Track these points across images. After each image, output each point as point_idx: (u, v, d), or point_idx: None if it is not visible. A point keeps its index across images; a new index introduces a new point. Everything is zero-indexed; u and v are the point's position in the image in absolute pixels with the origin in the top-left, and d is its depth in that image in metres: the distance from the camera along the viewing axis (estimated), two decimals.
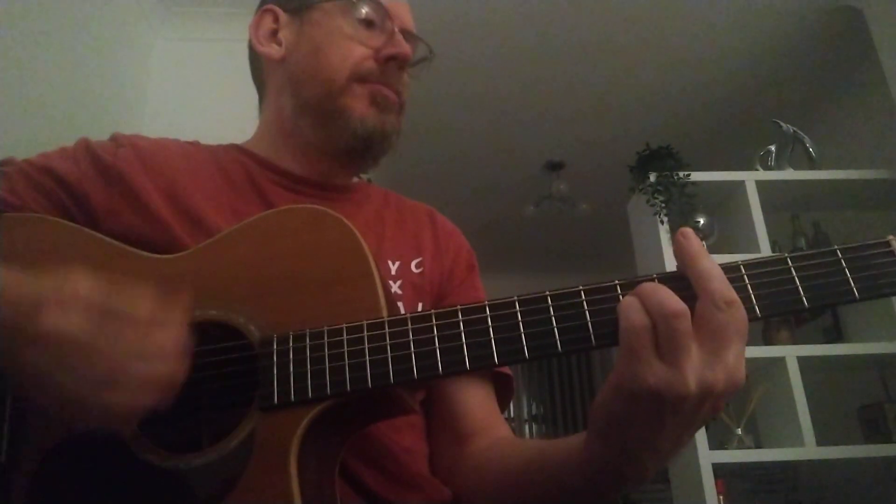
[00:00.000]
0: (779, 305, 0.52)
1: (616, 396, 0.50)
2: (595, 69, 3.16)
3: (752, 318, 0.50)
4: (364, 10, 0.81)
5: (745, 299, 0.50)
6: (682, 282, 0.51)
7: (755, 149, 2.83)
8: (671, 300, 0.48)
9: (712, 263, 0.50)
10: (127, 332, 0.49)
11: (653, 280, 0.52)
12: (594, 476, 0.55)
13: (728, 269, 0.52)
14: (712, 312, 0.48)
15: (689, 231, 0.52)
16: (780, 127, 2.78)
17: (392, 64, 0.81)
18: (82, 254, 0.65)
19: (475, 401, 0.78)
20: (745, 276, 0.52)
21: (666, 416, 0.48)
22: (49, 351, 0.48)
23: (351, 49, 0.80)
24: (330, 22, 0.82)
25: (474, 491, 0.72)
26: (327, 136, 0.82)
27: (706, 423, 0.51)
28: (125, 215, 0.72)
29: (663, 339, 0.47)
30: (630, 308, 0.49)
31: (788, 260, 0.53)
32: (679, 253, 0.52)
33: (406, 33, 0.84)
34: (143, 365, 0.49)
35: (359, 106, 0.80)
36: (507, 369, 0.82)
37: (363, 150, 0.82)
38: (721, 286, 0.49)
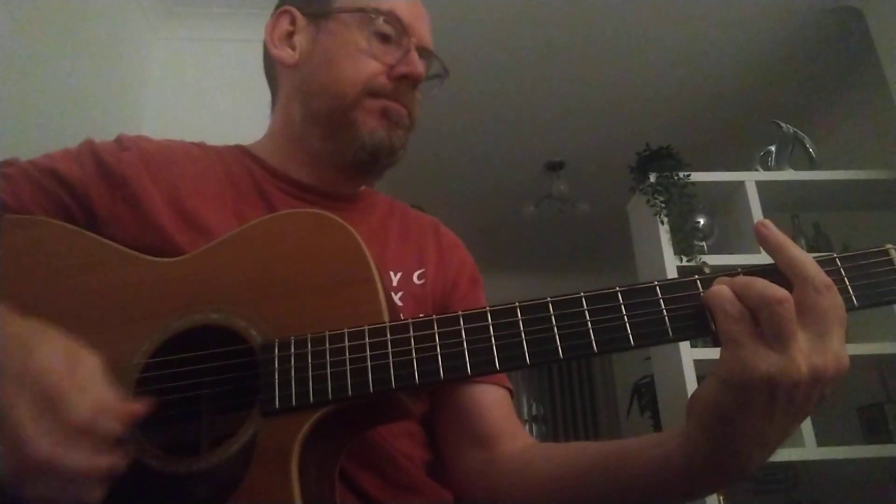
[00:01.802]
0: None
1: (725, 389, 0.49)
2: (595, 69, 3.16)
3: None
4: (382, 25, 0.80)
5: None
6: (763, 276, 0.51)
7: (755, 149, 2.82)
8: (771, 287, 0.48)
9: (801, 251, 0.51)
10: (58, 431, 0.47)
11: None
12: (694, 473, 0.54)
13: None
14: (813, 297, 0.48)
15: (767, 222, 0.53)
16: (780, 127, 2.78)
17: (404, 82, 0.80)
18: (83, 258, 0.65)
19: (494, 404, 0.77)
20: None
21: (777, 405, 0.48)
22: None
23: (364, 64, 0.79)
24: (346, 33, 0.81)
25: (519, 491, 0.69)
26: (335, 147, 0.81)
27: (811, 412, 0.51)
28: (126, 222, 0.72)
29: (768, 326, 0.47)
30: (723, 298, 0.49)
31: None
32: (766, 243, 0.52)
33: (422, 50, 0.84)
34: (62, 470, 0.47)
35: (369, 120, 0.79)
36: (509, 383, 0.82)
37: (370, 162, 0.81)
38: (818, 271, 0.49)
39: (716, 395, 0.50)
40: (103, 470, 0.48)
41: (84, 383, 0.49)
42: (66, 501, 0.47)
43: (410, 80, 0.81)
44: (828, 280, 0.49)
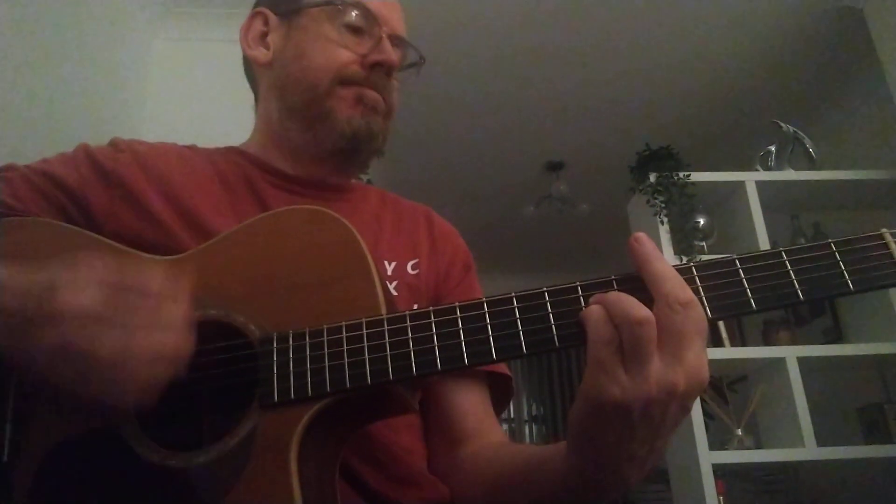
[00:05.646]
0: (775, 299, 0.51)
1: (585, 410, 0.50)
2: (595, 69, 3.17)
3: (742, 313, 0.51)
4: (352, 16, 0.81)
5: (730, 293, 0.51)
6: (640, 283, 0.51)
7: (755, 149, 2.83)
8: (635, 308, 0.48)
9: (665, 266, 0.50)
10: (140, 304, 0.51)
11: (611, 281, 0.53)
12: (575, 487, 0.55)
13: (724, 262, 0.52)
14: (668, 315, 0.48)
15: (641, 235, 0.52)
16: (781, 127, 2.78)
17: (378, 70, 0.81)
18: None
19: (470, 405, 0.78)
20: (741, 271, 0.52)
21: (635, 424, 0.48)
22: (67, 327, 0.49)
23: (335, 53, 0.80)
24: (317, 27, 0.82)
25: (466, 495, 0.72)
26: (314, 138, 0.82)
27: (678, 424, 0.51)
28: (125, 218, 0.73)
29: (628, 347, 0.47)
30: (597, 319, 0.49)
31: (783, 254, 0.53)
32: (633, 257, 0.52)
33: (396, 39, 0.84)
34: (157, 335, 0.51)
35: (344, 107, 0.80)
36: (506, 370, 0.82)
37: (351, 150, 0.82)
38: (674, 288, 0.49)
39: (579, 415, 0.51)
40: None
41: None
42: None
43: (384, 68, 0.81)
44: (685, 297, 0.48)
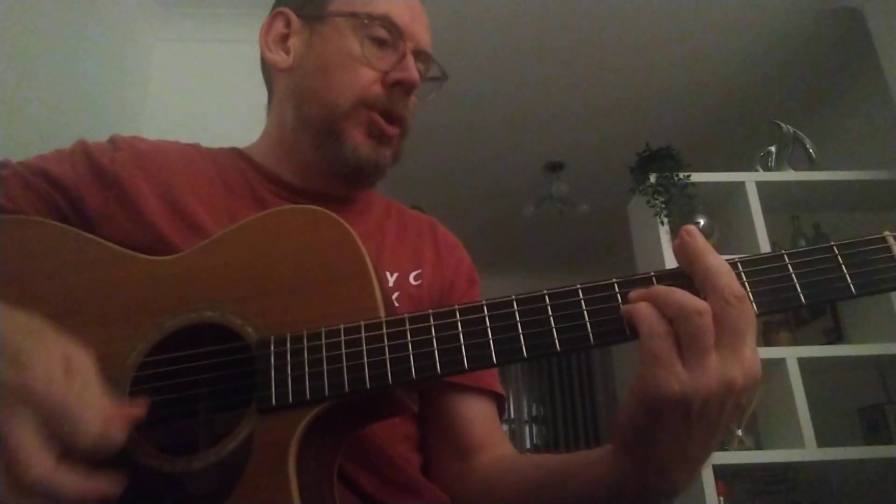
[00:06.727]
0: (777, 302, 0.51)
1: (641, 408, 0.49)
2: (595, 70, 3.16)
3: None
4: (377, 30, 0.79)
5: None
6: (681, 280, 0.51)
7: (755, 149, 2.82)
8: (691, 299, 0.48)
9: (719, 259, 0.50)
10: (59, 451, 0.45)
11: (650, 277, 0.52)
12: (622, 491, 0.54)
13: None
14: (724, 308, 0.47)
15: (693, 229, 0.52)
16: (781, 127, 2.78)
17: (398, 88, 0.79)
18: (77, 257, 0.65)
19: (477, 416, 0.78)
20: (743, 274, 0.52)
21: (692, 421, 0.48)
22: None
23: (358, 73, 0.78)
24: (341, 39, 0.79)
25: (482, 503, 0.71)
26: (323, 156, 0.80)
27: (731, 423, 0.50)
28: (119, 221, 0.72)
29: (686, 339, 0.47)
30: (648, 314, 0.49)
31: (786, 257, 0.52)
32: (683, 250, 0.51)
33: (420, 54, 0.83)
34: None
35: (355, 134, 0.78)
36: (500, 388, 0.82)
37: (353, 177, 0.81)
38: (731, 281, 0.49)
39: (633, 416, 0.50)
40: (101, 492, 0.46)
41: (83, 393, 0.47)
42: None
43: (405, 87, 0.79)
44: (739, 291, 0.48)
